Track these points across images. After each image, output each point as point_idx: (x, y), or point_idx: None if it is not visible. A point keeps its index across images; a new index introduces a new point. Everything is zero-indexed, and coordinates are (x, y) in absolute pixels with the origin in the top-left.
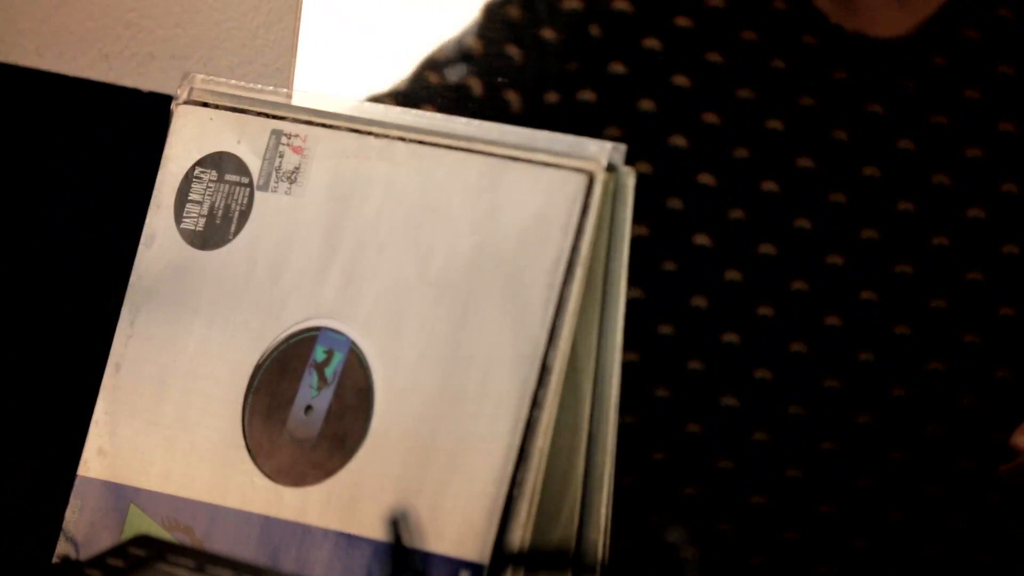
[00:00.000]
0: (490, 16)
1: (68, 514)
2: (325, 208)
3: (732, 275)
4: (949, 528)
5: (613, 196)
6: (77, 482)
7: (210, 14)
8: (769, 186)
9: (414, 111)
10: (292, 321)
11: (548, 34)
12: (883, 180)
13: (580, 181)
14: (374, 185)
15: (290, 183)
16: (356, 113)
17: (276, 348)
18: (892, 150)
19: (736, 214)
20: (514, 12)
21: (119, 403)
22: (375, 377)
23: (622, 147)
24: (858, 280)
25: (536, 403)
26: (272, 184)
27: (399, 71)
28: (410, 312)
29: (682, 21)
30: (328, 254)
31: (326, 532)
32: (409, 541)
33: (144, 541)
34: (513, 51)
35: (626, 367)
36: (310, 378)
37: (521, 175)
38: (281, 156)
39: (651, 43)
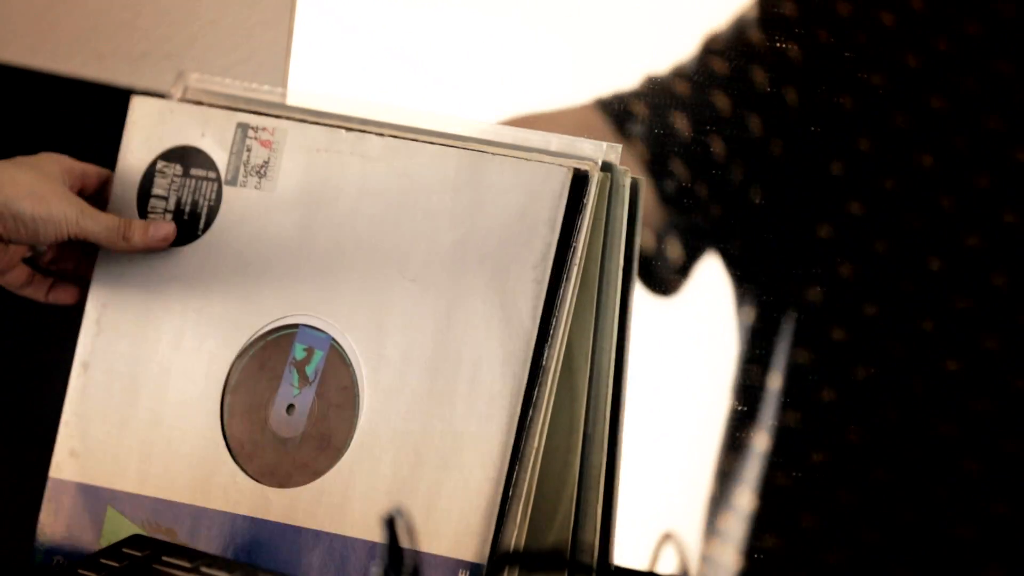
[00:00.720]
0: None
1: (43, 517)
2: (298, 203)
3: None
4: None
5: (609, 195)
6: (50, 484)
7: (205, 13)
8: (982, 182)
9: (398, 106)
10: (268, 318)
11: (825, 35)
12: None
13: (562, 175)
14: (348, 179)
15: (260, 177)
16: (338, 108)
17: (252, 345)
18: None
19: (946, 203)
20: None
21: (89, 403)
22: (359, 375)
23: (617, 147)
24: None
25: (530, 402)
26: (241, 179)
27: (395, 70)
28: (393, 309)
29: (973, 28)
30: (303, 249)
31: (317, 533)
32: (404, 541)
33: (139, 541)
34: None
35: None
36: (291, 376)
37: (501, 170)
38: (249, 150)
39: (911, 60)
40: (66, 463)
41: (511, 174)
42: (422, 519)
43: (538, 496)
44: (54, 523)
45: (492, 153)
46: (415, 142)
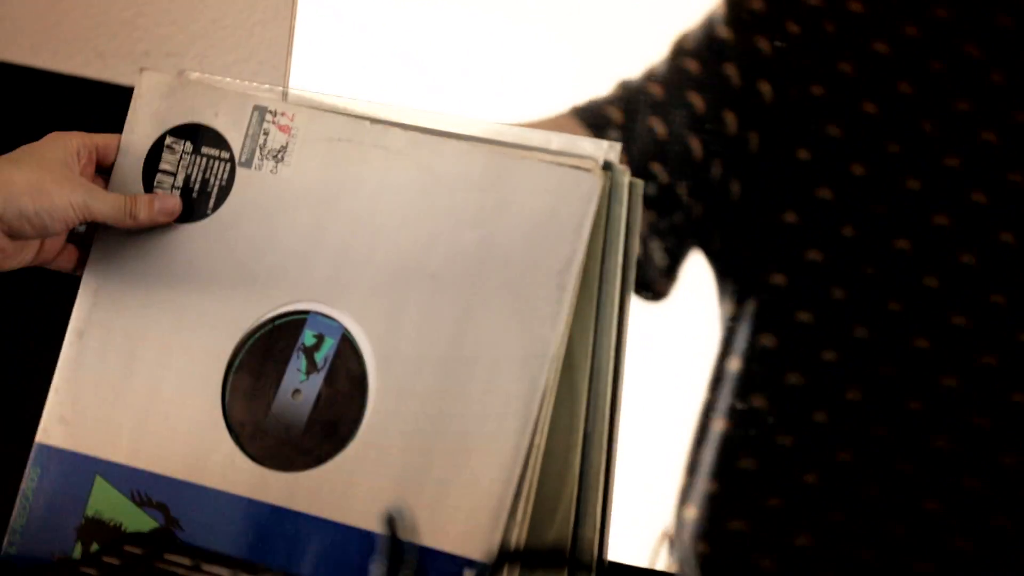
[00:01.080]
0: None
1: (26, 482)
2: (316, 190)
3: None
4: None
5: (608, 194)
6: (36, 449)
7: (205, 12)
8: (951, 163)
9: (397, 105)
10: (278, 302)
11: (794, 27)
12: None
13: (591, 181)
14: (369, 171)
15: (276, 162)
16: (337, 107)
17: (260, 328)
18: None
19: (913, 184)
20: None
21: (82, 371)
22: (370, 366)
23: (617, 146)
24: None
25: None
26: (256, 161)
27: (395, 70)
28: (409, 303)
29: (941, 12)
30: (318, 236)
31: (317, 519)
32: (405, 536)
33: (140, 539)
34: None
35: None
36: (298, 362)
37: (529, 172)
38: (266, 134)
39: (881, 47)
40: (55, 429)
41: (540, 177)
42: (429, 515)
43: (539, 494)
44: (38, 488)
45: (519, 155)
46: (440, 137)
